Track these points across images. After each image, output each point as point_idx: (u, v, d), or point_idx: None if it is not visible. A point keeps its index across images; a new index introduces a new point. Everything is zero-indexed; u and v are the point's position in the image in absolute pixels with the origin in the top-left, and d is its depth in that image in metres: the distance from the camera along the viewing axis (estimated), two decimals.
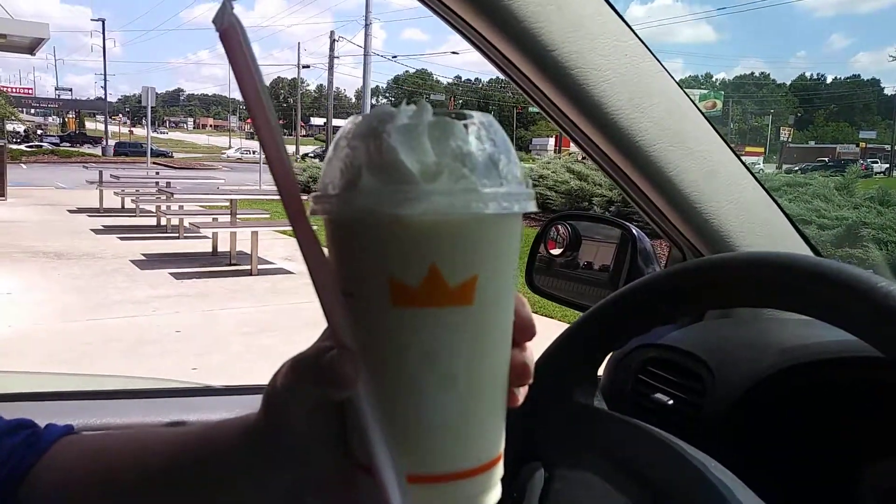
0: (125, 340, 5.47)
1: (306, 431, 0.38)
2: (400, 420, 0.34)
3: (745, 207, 0.96)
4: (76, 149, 49.72)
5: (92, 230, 11.07)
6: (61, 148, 49.15)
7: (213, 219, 9.96)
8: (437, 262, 0.33)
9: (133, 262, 8.70)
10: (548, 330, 0.61)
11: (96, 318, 6.02)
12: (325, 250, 0.35)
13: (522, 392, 0.39)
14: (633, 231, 1.25)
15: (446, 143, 0.33)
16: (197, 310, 6.50)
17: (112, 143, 51.35)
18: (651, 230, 1.10)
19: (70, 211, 13.58)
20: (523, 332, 0.38)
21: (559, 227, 1.36)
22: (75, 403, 0.91)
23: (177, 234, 10.83)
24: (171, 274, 7.93)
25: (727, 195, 0.96)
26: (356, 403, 0.34)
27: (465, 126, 0.34)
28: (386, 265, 0.33)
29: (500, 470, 0.37)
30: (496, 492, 0.37)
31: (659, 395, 0.92)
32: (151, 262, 8.72)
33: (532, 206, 0.35)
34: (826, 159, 59.39)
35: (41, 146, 48.08)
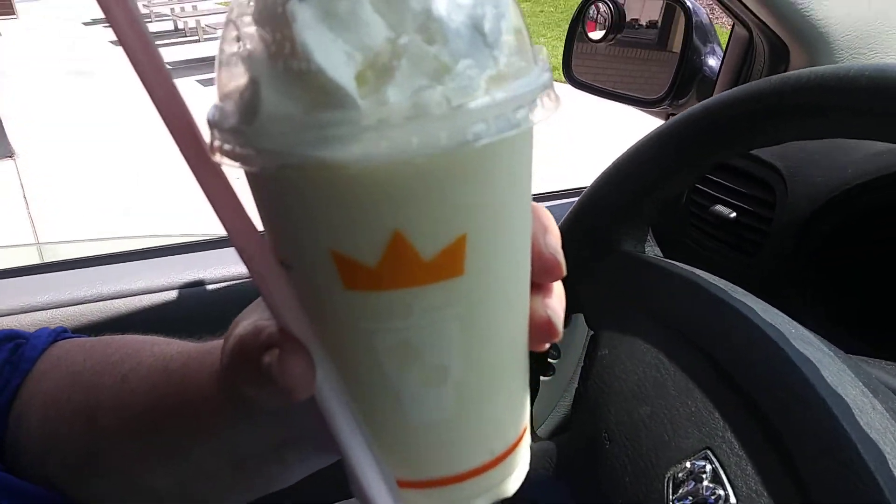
0: (168, 158, 5.46)
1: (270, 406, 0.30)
2: (377, 422, 0.25)
3: None
4: None
5: (111, 42, 10.70)
6: None
7: None
8: (403, 226, 0.21)
9: None
10: None
11: (133, 139, 6.01)
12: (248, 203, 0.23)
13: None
14: (687, 2, 1.05)
15: (404, 3, 0.20)
16: None
17: None
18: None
19: (84, 23, 13.04)
20: (545, 272, 0.26)
21: (599, 4, 1.17)
22: (91, 271, 0.86)
23: (196, 38, 10.38)
24: (197, 81, 7.71)
25: None
26: (318, 401, 0.25)
27: None
28: (325, 235, 0.21)
29: (524, 449, 0.28)
30: (521, 471, 0.28)
31: (720, 208, 0.81)
32: (176, 70, 8.44)
33: (550, 107, 0.22)
34: None
35: None
